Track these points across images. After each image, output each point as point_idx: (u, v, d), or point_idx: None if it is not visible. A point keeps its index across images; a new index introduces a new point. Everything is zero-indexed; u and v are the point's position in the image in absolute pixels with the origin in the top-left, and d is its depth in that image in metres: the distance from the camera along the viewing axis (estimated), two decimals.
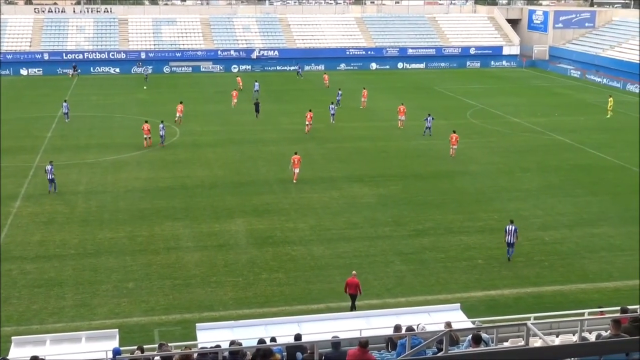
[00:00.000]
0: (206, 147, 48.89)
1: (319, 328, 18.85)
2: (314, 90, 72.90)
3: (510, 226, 30.47)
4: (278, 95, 68.51)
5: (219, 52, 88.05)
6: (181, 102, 55.97)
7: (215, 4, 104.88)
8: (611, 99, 63.74)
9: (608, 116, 61.74)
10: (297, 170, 41.22)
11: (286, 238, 32.74)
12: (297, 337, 16.82)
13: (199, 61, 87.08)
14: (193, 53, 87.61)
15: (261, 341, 16.26)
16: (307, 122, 52.80)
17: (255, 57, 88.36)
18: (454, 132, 47.99)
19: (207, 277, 28.59)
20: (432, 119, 53.07)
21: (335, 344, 15.61)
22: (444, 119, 58.27)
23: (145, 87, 74.66)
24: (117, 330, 19.66)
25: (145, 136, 48.96)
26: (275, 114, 60.49)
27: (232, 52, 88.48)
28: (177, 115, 54.64)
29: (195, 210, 36.28)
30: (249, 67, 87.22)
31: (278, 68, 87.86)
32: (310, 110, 53.85)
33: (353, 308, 25.53)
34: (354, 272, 26.67)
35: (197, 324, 19.99)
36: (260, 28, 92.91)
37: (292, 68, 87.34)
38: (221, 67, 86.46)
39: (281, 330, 18.52)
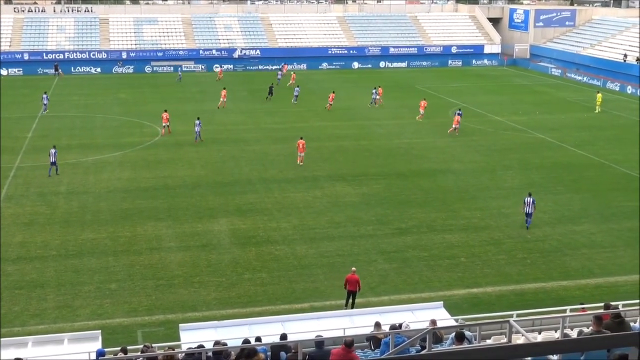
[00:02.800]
0: (188, 147, 48.75)
1: (302, 327, 18.88)
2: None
3: (529, 198, 33.76)
4: (260, 95, 68.38)
5: (201, 52, 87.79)
6: (165, 111, 53.55)
7: (196, 3, 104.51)
8: (599, 94, 64.61)
9: (597, 111, 62.47)
10: (302, 154, 43.83)
11: (269, 237, 32.72)
12: (283, 336, 16.83)
13: (181, 61, 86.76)
14: (175, 52, 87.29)
15: (246, 341, 16.26)
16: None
17: (237, 57, 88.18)
18: (459, 114, 53.96)
19: (190, 278, 28.52)
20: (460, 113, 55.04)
21: (319, 343, 15.64)
22: (426, 118, 58.44)
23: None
24: (99, 331, 19.59)
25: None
26: (258, 113, 60.41)
27: (214, 51, 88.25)
28: (164, 124, 52.84)
29: (178, 211, 36.17)
30: (231, 66, 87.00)
31: (260, 67, 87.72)
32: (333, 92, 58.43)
33: (352, 305, 25.62)
34: (353, 268, 26.72)
35: (180, 325, 19.96)
36: (242, 27, 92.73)
37: (275, 67, 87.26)
38: (203, 67, 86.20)
39: (265, 330, 18.52)
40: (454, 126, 53.30)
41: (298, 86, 67.86)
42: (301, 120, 57.04)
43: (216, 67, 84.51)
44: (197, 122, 50.53)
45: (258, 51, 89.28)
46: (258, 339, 16.84)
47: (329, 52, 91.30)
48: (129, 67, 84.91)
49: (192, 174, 42.66)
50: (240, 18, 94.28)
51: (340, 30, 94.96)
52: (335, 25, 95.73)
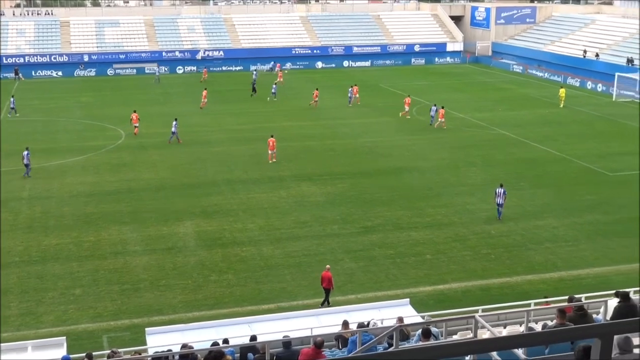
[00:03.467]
0: (152, 150, 48.41)
1: (270, 328, 18.83)
2: (261, 90, 72.76)
3: (500, 189, 34.80)
4: (224, 96, 68.16)
5: (164, 54, 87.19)
6: (135, 111, 53.40)
7: (158, 4, 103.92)
8: (563, 89, 65.73)
9: (561, 106, 63.44)
10: (273, 152, 44.63)
11: (235, 239, 32.62)
12: (253, 338, 16.79)
13: (144, 63, 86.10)
14: (137, 55, 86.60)
15: (214, 343, 16.18)
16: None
17: (200, 58, 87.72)
18: (442, 107, 54.91)
19: (156, 281, 28.32)
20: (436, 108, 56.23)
21: (286, 343, 15.63)
22: (390, 117, 58.71)
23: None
24: (64, 338, 19.34)
25: (134, 124, 51.89)
26: (222, 114, 60.16)
27: (177, 53, 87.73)
28: (134, 124, 52.64)
29: (143, 214, 35.90)
30: (194, 68, 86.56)
31: (224, 68, 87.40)
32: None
33: (327, 302, 25.75)
34: (327, 265, 26.84)
35: (146, 329, 19.78)
36: (205, 28, 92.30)
37: (238, 68, 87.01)
38: (166, 69, 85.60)
39: (232, 332, 18.44)
40: (439, 120, 54.52)
41: (275, 83, 68.57)
42: (266, 121, 56.91)
43: (204, 68, 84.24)
44: (174, 123, 50.36)
45: (221, 52, 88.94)
46: (225, 341, 16.77)
47: (293, 52, 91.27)
48: (90, 70, 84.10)
49: (157, 176, 42.37)
50: (203, 19, 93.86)
51: (303, 30, 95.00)
52: (298, 25, 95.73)
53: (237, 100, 66.52)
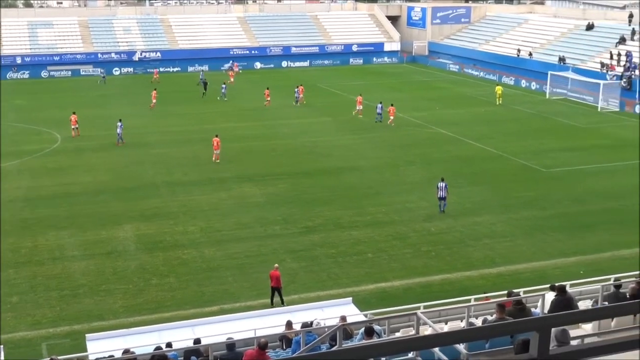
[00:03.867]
0: (89, 153, 47.65)
1: (213, 330, 18.73)
2: (199, 92, 72.34)
3: (441, 183, 35.57)
4: (163, 97, 67.42)
5: (99, 55, 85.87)
6: (74, 113, 52.59)
7: (93, 5, 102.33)
8: (499, 87, 67.26)
9: (498, 104, 64.68)
10: (217, 152, 44.74)
11: (176, 242, 32.35)
12: (196, 341, 16.69)
13: (79, 65, 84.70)
14: (72, 56, 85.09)
15: (157, 348, 16.04)
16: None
17: (137, 59, 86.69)
18: (392, 105, 56.29)
19: (96, 286, 27.90)
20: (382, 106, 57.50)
21: (230, 345, 15.59)
22: (330, 116, 58.96)
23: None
24: (1, 346, 18.93)
25: (73, 126, 51.26)
26: (161, 116, 59.54)
27: (113, 54, 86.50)
28: (73, 126, 51.89)
29: (81, 218, 35.31)
30: (131, 69, 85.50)
31: (161, 70, 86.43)
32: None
33: (281, 301, 25.86)
34: (276, 265, 26.87)
35: (87, 335, 19.47)
36: (141, 29, 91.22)
37: (176, 69, 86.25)
38: (102, 70, 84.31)
39: (175, 336, 18.29)
40: (390, 117, 55.59)
41: (224, 83, 68.76)
42: (206, 122, 56.57)
43: (155, 69, 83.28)
44: (119, 124, 49.80)
45: (159, 53, 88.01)
46: (169, 344, 16.65)
47: (231, 52, 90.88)
48: (24, 73, 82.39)
49: (95, 180, 41.73)
50: (139, 20, 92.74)
51: (241, 30, 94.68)
52: (236, 26, 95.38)
53: (176, 101, 65.91)
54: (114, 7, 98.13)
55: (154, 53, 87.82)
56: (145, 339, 18.34)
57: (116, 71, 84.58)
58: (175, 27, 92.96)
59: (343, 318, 17.64)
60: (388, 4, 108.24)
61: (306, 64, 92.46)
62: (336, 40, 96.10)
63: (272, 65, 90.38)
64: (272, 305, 25.66)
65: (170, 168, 44.01)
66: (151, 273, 29.10)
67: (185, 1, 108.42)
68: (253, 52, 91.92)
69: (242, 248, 31.60)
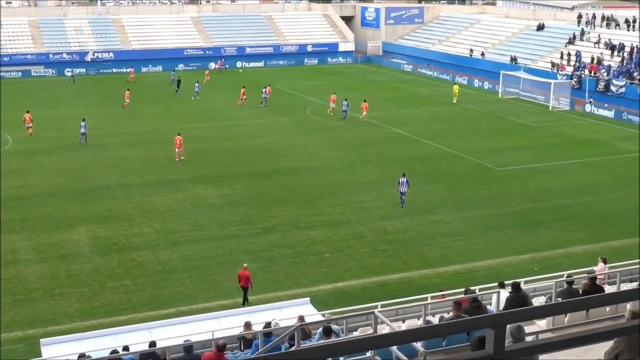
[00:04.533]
0: (42, 155, 46.93)
1: (170, 333, 18.63)
2: (154, 92, 71.71)
3: (403, 178, 36.45)
4: (115, 99, 66.74)
5: (51, 56, 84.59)
6: (28, 112, 51.88)
7: (43, 5, 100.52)
8: (456, 86, 68.39)
9: (454, 102, 65.56)
10: (178, 150, 44.95)
11: (131, 244, 32.04)
12: (152, 344, 16.57)
13: (29, 65, 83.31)
14: (22, 57, 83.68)
15: (114, 351, 15.90)
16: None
17: (89, 60, 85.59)
18: (365, 101, 57.81)
19: (50, 290, 27.51)
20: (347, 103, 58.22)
21: (188, 347, 15.53)
22: (286, 117, 58.95)
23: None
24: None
25: (27, 125, 50.92)
26: (114, 117, 58.91)
27: (64, 55, 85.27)
28: (27, 125, 51.12)
29: (34, 221, 34.78)
30: (84, 70, 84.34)
31: (114, 70, 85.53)
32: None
33: (245, 301, 25.84)
34: (245, 264, 26.84)
35: (41, 340, 19.22)
36: (93, 30, 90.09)
37: (129, 70, 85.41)
38: (53, 71, 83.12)
39: (132, 339, 18.14)
40: (363, 113, 56.99)
41: (198, 82, 68.81)
42: (160, 123, 56.15)
43: (130, 68, 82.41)
44: (83, 123, 49.55)
45: (111, 54, 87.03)
46: (125, 348, 16.51)
47: (185, 53, 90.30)
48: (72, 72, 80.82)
49: (47, 182, 41.12)
50: (90, 20, 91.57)
51: (195, 30, 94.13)
52: (189, 26, 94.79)
53: (131, 102, 65.17)
54: (65, 7, 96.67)
55: (107, 53, 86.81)
56: (101, 343, 18.17)
57: (68, 72, 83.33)
58: (127, 28, 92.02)
59: (301, 318, 17.67)
60: (342, 4, 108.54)
61: (261, 64, 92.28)
62: (291, 41, 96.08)
63: (226, 66, 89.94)
64: (243, 305, 25.68)
65: (125, 170, 43.59)
66: (106, 276, 28.79)
67: (137, 1, 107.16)
68: (207, 52, 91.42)
69: (199, 249, 31.44)
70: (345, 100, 58.53)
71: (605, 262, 23.75)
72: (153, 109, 62.70)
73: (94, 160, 45.58)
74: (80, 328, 23.66)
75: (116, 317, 25.13)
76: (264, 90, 65.06)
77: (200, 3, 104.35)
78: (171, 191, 39.52)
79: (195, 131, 53.65)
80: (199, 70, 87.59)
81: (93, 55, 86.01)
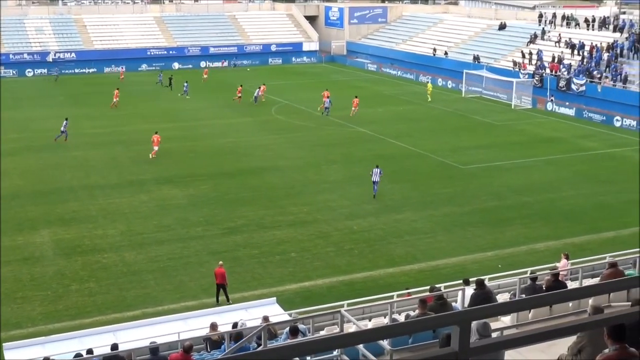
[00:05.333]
0: (4, 157, 46.16)
1: (136, 335, 18.52)
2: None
3: (376, 169, 38.13)
4: (78, 99, 66.06)
5: (11, 56, 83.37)
6: None
7: (3, 4, 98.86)
8: (429, 84, 69.27)
9: (429, 100, 66.23)
10: (156, 148, 45.24)
11: (96, 246, 31.74)
12: (114, 346, 16.44)
13: None
14: None
15: (78, 355, 15.75)
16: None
17: (51, 60, 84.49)
18: (356, 97, 60.02)
19: (12, 294, 27.13)
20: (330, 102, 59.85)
21: (154, 350, 15.44)
22: (250, 117, 58.81)
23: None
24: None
25: None
26: (77, 118, 58.14)
27: (25, 55, 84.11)
28: None
29: None
30: (45, 70, 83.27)
31: (76, 71, 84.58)
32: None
33: (226, 299, 26.02)
34: (220, 262, 26.84)
35: (4, 344, 18.99)
36: (54, 30, 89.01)
37: (92, 70, 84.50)
38: (14, 72, 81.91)
39: (97, 342, 18.01)
40: (353, 108, 59.24)
41: (187, 81, 69.09)
42: (124, 124, 55.68)
43: (120, 68, 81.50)
44: (65, 122, 49.93)
45: (73, 54, 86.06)
46: (90, 351, 16.37)
47: (148, 53, 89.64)
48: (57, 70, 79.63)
49: (9, 184, 40.51)
50: (52, 20, 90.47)
51: (158, 30, 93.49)
52: (152, 26, 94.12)
53: (93, 103, 64.59)
54: (26, 7, 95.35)
55: (69, 54, 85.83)
56: (65, 346, 18.01)
57: (29, 72, 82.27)
58: (90, 28, 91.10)
59: (265, 318, 17.67)
60: (306, 4, 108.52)
61: (225, 64, 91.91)
62: (255, 40, 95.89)
63: (190, 66, 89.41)
64: (217, 303, 25.73)
65: (88, 171, 43.16)
66: (70, 278, 28.49)
67: (99, 1, 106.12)
68: (171, 52, 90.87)
69: (164, 251, 31.24)
70: (328, 98, 59.74)
71: (567, 258, 24.06)
72: (116, 109, 62.08)
73: (57, 162, 45.06)
74: (44, 331, 23.41)
75: (80, 320, 24.89)
76: (258, 89, 65.45)
77: (163, 3, 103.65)
78: (135, 192, 39.22)
79: (159, 132, 53.15)
80: (162, 70, 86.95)
81: (55, 55, 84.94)
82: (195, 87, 71.51)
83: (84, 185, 40.31)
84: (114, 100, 62.42)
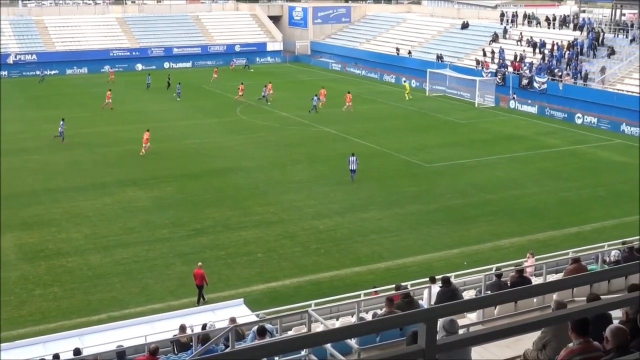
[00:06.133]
0: None
1: (102, 339, 18.36)
2: (80, 95, 70.37)
3: (352, 157, 40.84)
4: (39, 101, 65.27)
5: None
6: None
7: None
8: (406, 83, 69.82)
9: (407, 99, 66.99)
10: (147, 145, 46.56)
11: (59, 250, 31.37)
12: (76, 351, 16.28)
13: None
14: None
15: None
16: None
17: (12, 62, 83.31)
18: (349, 92, 62.60)
19: None
20: (317, 98, 61.24)
21: (120, 353, 15.33)
22: (215, 117, 58.58)
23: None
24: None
25: None
26: (39, 120, 57.52)
27: None
28: None
29: None
30: (6, 73, 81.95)
31: (37, 73, 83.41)
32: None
33: (201, 299, 25.99)
34: (199, 263, 26.78)
35: None
36: (14, 31, 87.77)
37: (54, 72, 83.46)
38: (41, 72, 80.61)
39: (62, 346, 17.82)
40: (347, 104, 60.96)
41: (179, 83, 68.63)
42: (86, 126, 55.08)
43: (111, 70, 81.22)
44: (61, 122, 49.93)
45: (34, 56, 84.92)
46: (56, 356, 16.19)
47: (111, 54, 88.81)
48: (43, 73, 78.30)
49: None
50: (12, 21, 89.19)
51: (120, 31, 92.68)
52: (115, 27, 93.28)
53: (54, 106, 63.84)
54: None
55: (30, 55, 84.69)
56: (29, 352, 17.80)
57: (40, 73, 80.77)
58: (51, 29, 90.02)
59: (233, 319, 17.62)
60: (269, 4, 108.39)
61: (189, 64, 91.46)
62: (218, 41, 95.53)
63: (154, 67, 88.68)
64: (198, 304, 25.67)
65: (50, 174, 42.64)
66: (34, 283, 28.14)
67: (60, 2, 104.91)
68: (134, 53, 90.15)
69: (130, 253, 30.99)
70: (315, 95, 61.18)
71: (533, 255, 24.40)
72: (78, 111, 61.45)
73: (19, 165, 44.44)
74: (7, 337, 23.04)
75: (45, 325, 24.59)
76: (265, 87, 65.98)
77: (126, 3, 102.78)
78: (99, 195, 38.84)
79: (122, 134, 52.82)
80: (125, 71, 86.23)
81: (15, 57, 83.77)
82: (156, 88, 70.97)
83: (47, 189, 39.82)
84: (107, 101, 61.69)
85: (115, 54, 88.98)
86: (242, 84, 66.78)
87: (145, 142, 46.58)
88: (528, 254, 24.79)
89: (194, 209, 36.70)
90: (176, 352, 17.21)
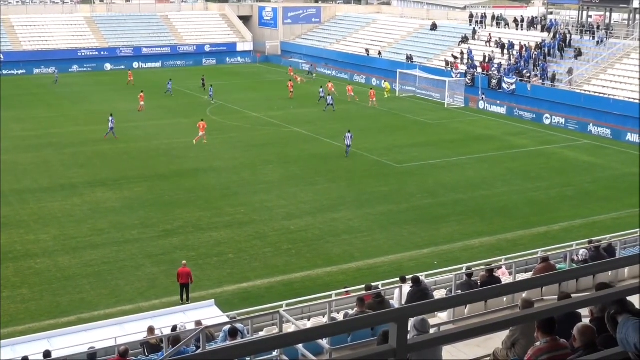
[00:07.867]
0: None
1: (71, 341, 18.21)
2: (47, 94, 69.68)
3: (348, 134, 45.99)
4: (6, 102, 64.45)
5: None
6: None
7: None
8: (387, 83, 71.33)
9: (386, 97, 68.54)
10: (202, 134, 49.43)
11: (28, 251, 31.03)
12: (46, 354, 16.14)
13: None
14: None
15: None
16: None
17: None
18: (372, 88, 66.30)
19: None
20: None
21: (91, 355, 15.23)
22: (185, 117, 58.32)
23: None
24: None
25: None
26: (5, 121, 56.82)
27: None
28: None
29: None
30: None
31: (4, 72, 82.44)
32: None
33: (186, 298, 26.01)
34: (184, 262, 26.71)
35: None
36: None
37: (21, 72, 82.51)
38: (55, 71, 79.45)
39: (30, 349, 17.64)
40: (371, 99, 63.95)
41: (211, 85, 68.66)
42: (54, 126, 54.58)
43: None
44: (110, 118, 50.49)
45: (1, 55, 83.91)
46: (25, 358, 16.03)
47: (79, 54, 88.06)
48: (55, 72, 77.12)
49: None
50: None
51: (89, 31, 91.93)
52: (83, 26, 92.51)
53: (20, 105, 63.14)
54: None
55: None
56: None
57: (54, 72, 79.62)
58: (17, 28, 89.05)
59: (198, 322, 17.54)
60: (239, 4, 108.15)
61: (158, 64, 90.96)
62: (188, 41, 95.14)
63: (122, 67, 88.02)
64: (182, 302, 25.58)
65: (18, 175, 42.16)
66: (2, 285, 27.79)
67: (27, 1, 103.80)
68: (102, 53, 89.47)
69: (99, 255, 30.75)
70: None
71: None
72: (45, 111, 60.87)
73: None
74: None
75: (13, 328, 24.31)
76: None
77: (94, 3, 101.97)
78: (68, 196, 38.49)
79: (90, 134, 52.36)
80: (93, 71, 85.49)
81: None
82: (125, 88, 70.47)
83: (15, 190, 39.37)
84: (141, 103, 61.10)
85: (83, 54, 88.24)
86: (290, 80, 70.29)
87: (202, 130, 49.22)
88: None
89: (164, 209, 36.50)
90: (146, 354, 17.12)
